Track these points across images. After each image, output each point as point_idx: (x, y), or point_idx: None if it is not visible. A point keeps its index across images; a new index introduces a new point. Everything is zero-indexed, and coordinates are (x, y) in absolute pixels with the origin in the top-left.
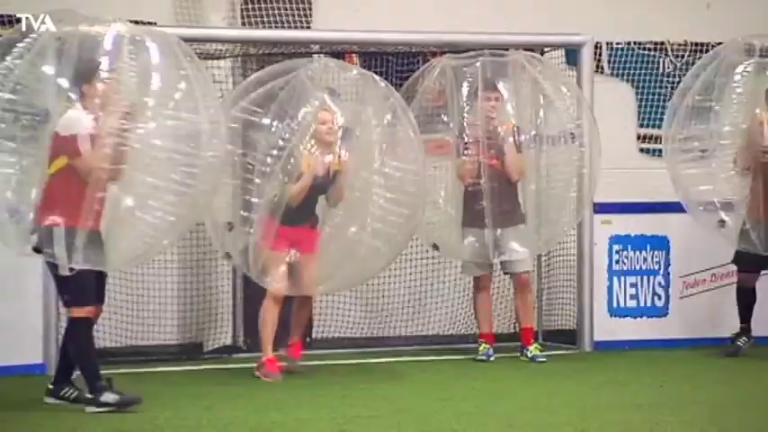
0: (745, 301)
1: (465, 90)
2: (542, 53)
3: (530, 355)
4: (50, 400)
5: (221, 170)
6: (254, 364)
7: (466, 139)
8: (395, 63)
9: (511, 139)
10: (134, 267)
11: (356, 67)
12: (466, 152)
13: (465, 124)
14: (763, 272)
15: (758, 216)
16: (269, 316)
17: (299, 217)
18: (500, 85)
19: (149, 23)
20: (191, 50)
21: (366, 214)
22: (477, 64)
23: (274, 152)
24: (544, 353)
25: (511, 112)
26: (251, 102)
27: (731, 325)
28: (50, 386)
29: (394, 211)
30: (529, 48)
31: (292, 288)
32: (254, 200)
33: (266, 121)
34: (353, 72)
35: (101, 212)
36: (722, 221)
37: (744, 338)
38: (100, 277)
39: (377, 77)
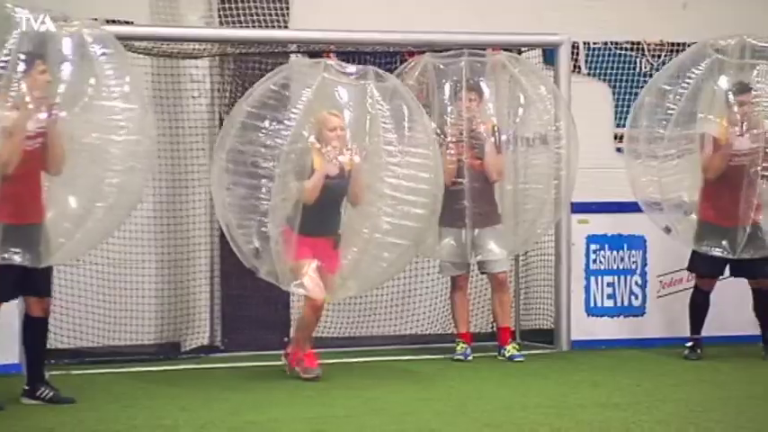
0: (701, 308)
1: (447, 89)
2: (520, 53)
3: (507, 354)
4: (27, 401)
5: (146, 155)
6: (282, 361)
7: (448, 139)
8: (373, 63)
9: (492, 139)
10: (111, 267)
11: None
12: (448, 152)
13: (448, 123)
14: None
15: (731, 222)
16: (308, 324)
17: (318, 227)
18: (482, 85)
19: (126, 23)
20: (111, 41)
21: (384, 214)
22: (461, 63)
23: (282, 134)
24: (521, 352)
25: (492, 111)
26: (252, 104)
27: (708, 324)
28: (26, 387)
29: (413, 201)
30: (507, 47)
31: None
32: (266, 204)
33: (265, 122)
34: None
35: (26, 206)
36: (668, 228)
37: (698, 351)
38: (35, 271)
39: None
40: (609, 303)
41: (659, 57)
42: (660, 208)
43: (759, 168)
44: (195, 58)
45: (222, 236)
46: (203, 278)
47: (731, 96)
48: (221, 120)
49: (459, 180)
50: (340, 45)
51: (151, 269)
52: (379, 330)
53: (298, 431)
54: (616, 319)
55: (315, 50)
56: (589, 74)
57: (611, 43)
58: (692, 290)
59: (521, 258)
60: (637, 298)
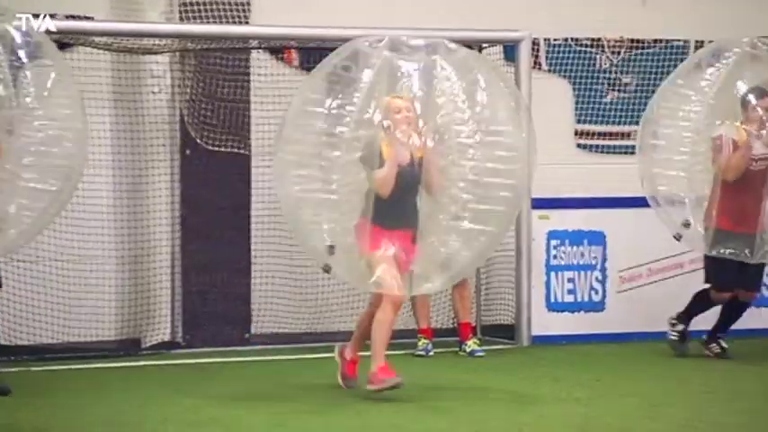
0: (705, 306)
1: None
2: (481, 49)
3: (468, 349)
4: None
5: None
6: (367, 380)
7: None
8: None
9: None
10: (70, 263)
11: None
12: None
13: None
14: None
15: (747, 228)
16: (385, 318)
17: (394, 220)
18: None
19: (86, 18)
20: (37, 34)
21: (463, 200)
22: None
23: (344, 120)
24: (483, 347)
25: None
26: (313, 89)
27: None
28: None
29: (496, 184)
30: (468, 44)
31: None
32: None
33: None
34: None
35: None
36: (687, 223)
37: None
38: None
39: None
40: (569, 299)
41: (619, 53)
42: (658, 203)
43: None
44: (155, 53)
45: (183, 231)
46: (164, 274)
47: (752, 98)
48: (182, 116)
49: None
50: (301, 41)
51: (111, 265)
52: (340, 326)
53: (260, 427)
54: (576, 315)
55: (276, 46)
56: (550, 70)
57: (572, 39)
58: (653, 284)
59: None
60: (597, 293)
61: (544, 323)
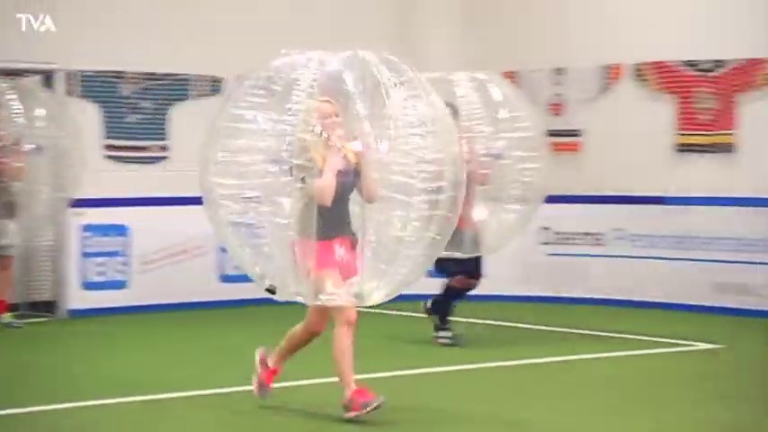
0: (453, 298)
1: None
2: (24, 77)
3: (5, 321)
4: None
5: None
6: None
7: None
8: None
9: (16, 147)
10: None
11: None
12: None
13: None
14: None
15: (464, 225)
16: (344, 345)
17: (335, 226)
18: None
19: None
20: None
21: (402, 205)
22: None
23: (288, 124)
24: (22, 320)
25: (22, 122)
26: (237, 106)
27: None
28: None
29: (435, 188)
30: (11, 72)
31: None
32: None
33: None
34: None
35: None
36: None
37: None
38: None
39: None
40: (100, 279)
41: (139, 83)
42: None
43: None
44: None
45: None
46: None
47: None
48: None
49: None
50: None
51: None
52: None
53: None
54: (106, 292)
55: None
56: (82, 96)
57: (101, 72)
58: (168, 266)
59: (28, 242)
60: (123, 274)
61: (80, 298)
